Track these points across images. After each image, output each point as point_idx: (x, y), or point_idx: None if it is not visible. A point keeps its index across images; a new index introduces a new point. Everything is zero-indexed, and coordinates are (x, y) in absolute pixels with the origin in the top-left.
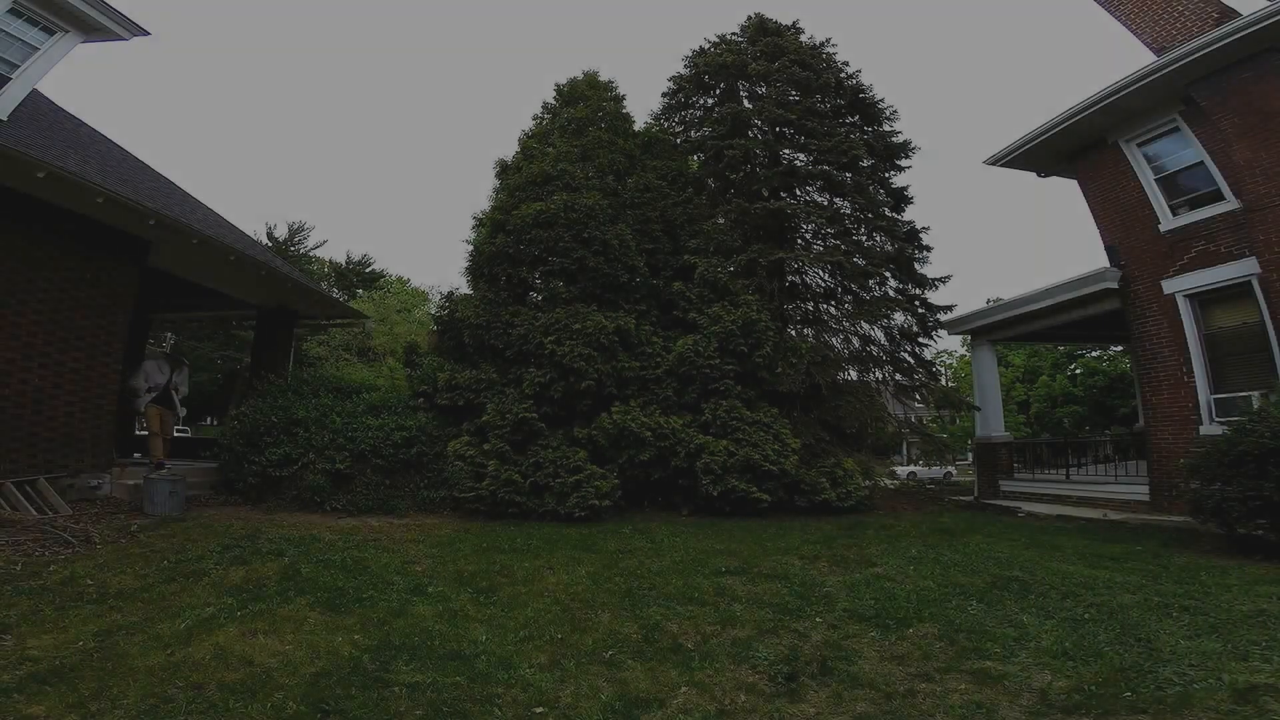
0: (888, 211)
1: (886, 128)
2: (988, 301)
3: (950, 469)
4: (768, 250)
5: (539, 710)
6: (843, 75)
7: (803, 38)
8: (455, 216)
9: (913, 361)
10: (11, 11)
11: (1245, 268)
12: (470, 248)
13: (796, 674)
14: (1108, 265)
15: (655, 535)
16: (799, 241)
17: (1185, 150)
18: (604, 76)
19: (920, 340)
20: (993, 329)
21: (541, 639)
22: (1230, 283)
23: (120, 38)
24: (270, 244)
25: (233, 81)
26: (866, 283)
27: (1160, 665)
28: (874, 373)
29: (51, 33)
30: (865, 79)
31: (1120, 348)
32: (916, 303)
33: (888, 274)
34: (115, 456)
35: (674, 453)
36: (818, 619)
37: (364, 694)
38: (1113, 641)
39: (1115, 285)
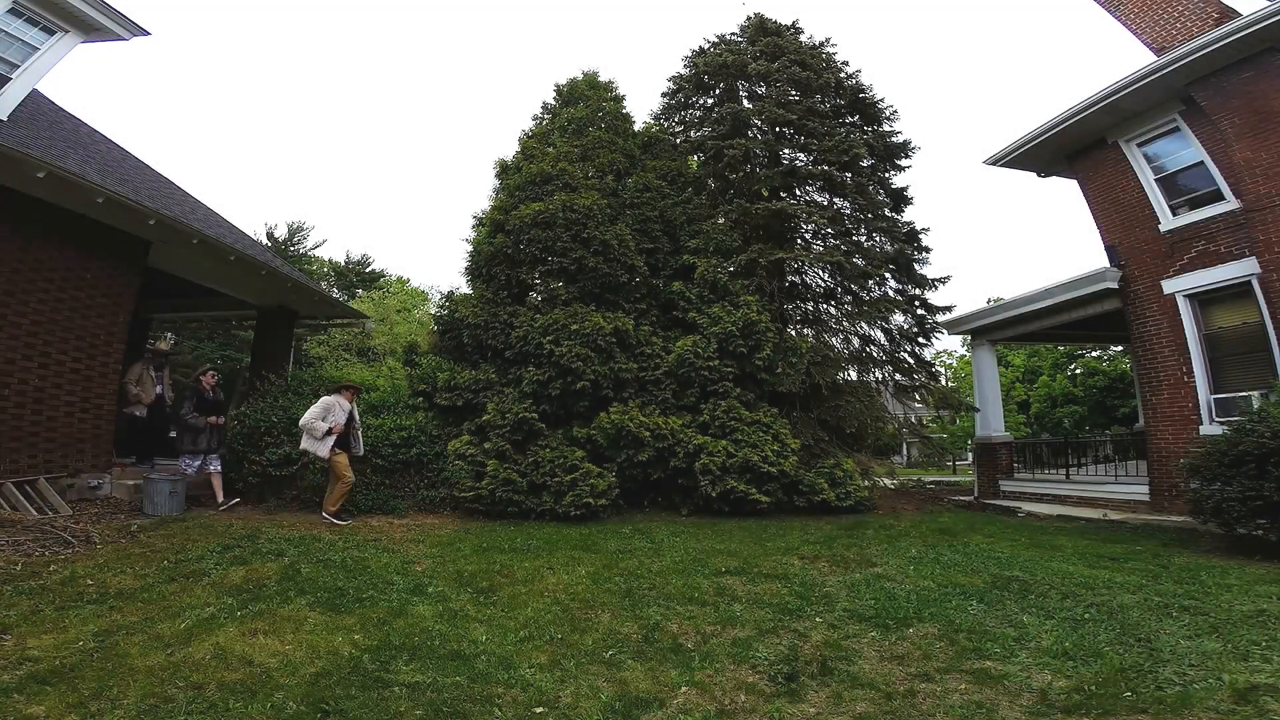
0: (888, 212)
1: (886, 128)
2: (988, 301)
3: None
4: (768, 250)
5: (539, 710)
6: (843, 75)
7: (803, 38)
8: (455, 216)
9: (912, 362)
10: (11, 11)
11: (1245, 268)
12: (470, 248)
13: (796, 674)
14: (1108, 265)
15: (655, 535)
16: (799, 241)
17: (1185, 150)
18: (604, 77)
19: (920, 340)
20: (993, 329)
21: (541, 639)
22: (1230, 283)
23: (120, 38)
24: (270, 244)
25: (233, 82)
26: (866, 283)
27: (1160, 665)
28: (874, 373)
29: (51, 33)
30: (865, 79)
31: (1120, 348)
32: (916, 303)
33: (887, 274)
34: (115, 456)
35: (673, 453)
36: (818, 619)
37: (364, 694)
38: (1113, 641)
39: (1115, 285)
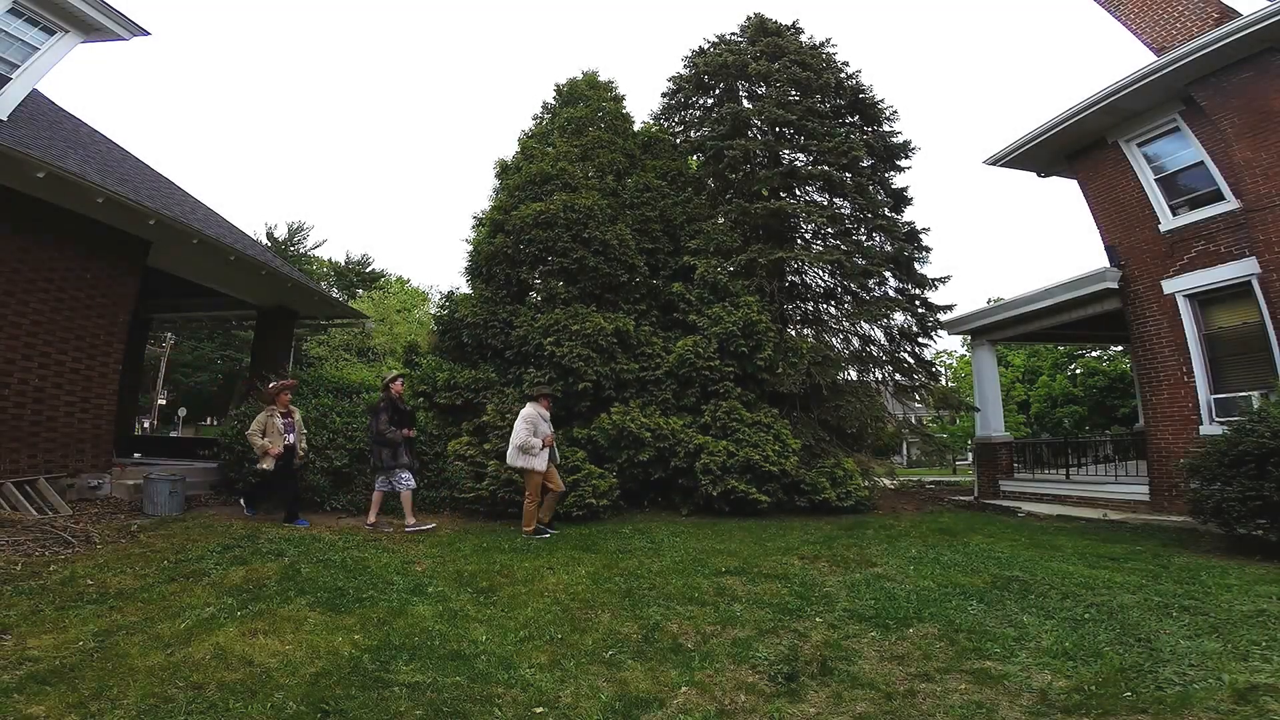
0: (888, 212)
1: (886, 128)
2: (988, 301)
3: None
4: (768, 250)
5: (539, 710)
6: (843, 75)
7: (803, 38)
8: (455, 216)
9: (913, 362)
10: (11, 11)
11: (1245, 268)
12: (470, 248)
13: (796, 674)
14: (1108, 265)
15: (655, 535)
16: (799, 241)
17: (1185, 150)
18: (604, 77)
19: (920, 340)
20: (993, 329)
21: (541, 639)
22: (1230, 283)
23: (120, 38)
24: (270, 244)
25: (233, 81)
26: (866, 283)
27: (1160, 665)
28: (874, 373)
29: (51, 33)
30: (865, 79)
31: (1120, 348)
32: (916, 303)
33: (888, 274)
34: (115, 456)
35: (673, 453)
36: (818, 619)
37: (364, 694)
38: (1113, 641)
39: (1115, 285)
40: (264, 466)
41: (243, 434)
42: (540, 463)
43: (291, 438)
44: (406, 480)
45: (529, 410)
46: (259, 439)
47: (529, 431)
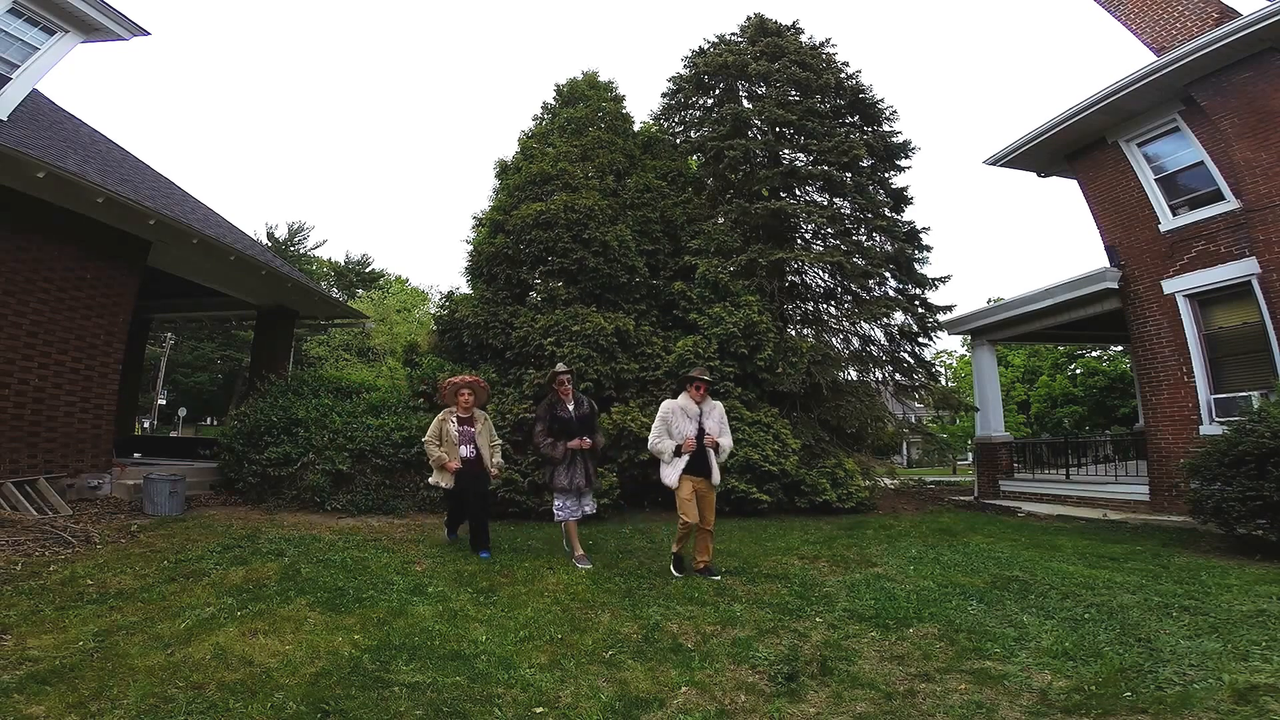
0: (888, 212)
1: (886, 128)
2: (988, 301)
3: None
4: (768, 250)
5: (539, 710)
6: (843, 75)
7: (803, 38)
8: (455, 217)
9: (912, 361)
10: (11, 11)
11: (1245, 268)
12: (470, 248)
13: (796, 674)
14: (1108, 265)
15: (655, 535)
16: (799, 241)
17: (1185, 150)
18: (604, 77)
19: (920, 340)
20: (993, 329)
21: (541, 639)
22: (1230, 283)
23: (120, 38)
24: (270, 244)
25: (233, 81)
26: (866, 283)
27: (1160, 665)
28: (874, 373)
29: (51, 33)
30: (865, 79)
31: (1120, 348)
32: (916, 303)
33: (888, 274)
34: (115, 456)
35: None
36: (818, 619)
37: (364, 694)
38: (1113, 641)
39: (1115, 285)
40: (441, 484)
41: (242, 434)
42: (672, 475)
43: (468, 449)
44: (561, 508)
45: (665, 404)
46: (436, 449)
47: (658, 434)
